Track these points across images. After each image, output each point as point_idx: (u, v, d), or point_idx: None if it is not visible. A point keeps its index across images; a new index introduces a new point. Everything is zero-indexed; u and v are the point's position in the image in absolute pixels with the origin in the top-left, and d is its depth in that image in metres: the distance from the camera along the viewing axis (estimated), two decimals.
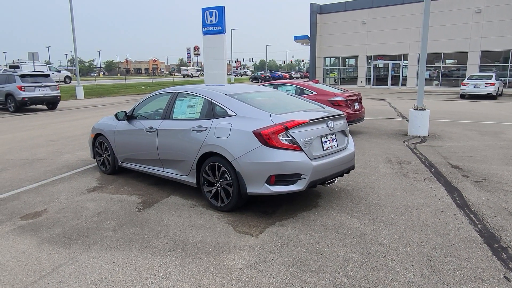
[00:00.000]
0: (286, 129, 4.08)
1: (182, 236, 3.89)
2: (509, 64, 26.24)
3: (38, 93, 16.89)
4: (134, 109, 5.88)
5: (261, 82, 56.13)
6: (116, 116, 5.85)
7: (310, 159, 4.15)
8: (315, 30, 34.45)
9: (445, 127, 10.83)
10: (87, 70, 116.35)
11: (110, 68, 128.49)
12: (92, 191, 5.51)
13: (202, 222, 4.25)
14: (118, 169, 6.24)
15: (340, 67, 35.43)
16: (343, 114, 4.83)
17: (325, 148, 4.41)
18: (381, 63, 32.44)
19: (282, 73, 63.87)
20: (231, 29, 60.91)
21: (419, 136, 9.46)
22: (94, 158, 6.69)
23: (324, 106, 5.21)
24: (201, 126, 4.65)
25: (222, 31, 50.18)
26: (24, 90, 16.39)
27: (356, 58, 33.55)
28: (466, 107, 16.99)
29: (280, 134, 4.07)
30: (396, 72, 31.64)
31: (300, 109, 4.81)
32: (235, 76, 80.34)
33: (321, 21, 34.45)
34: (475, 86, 21.39)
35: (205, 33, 50.89)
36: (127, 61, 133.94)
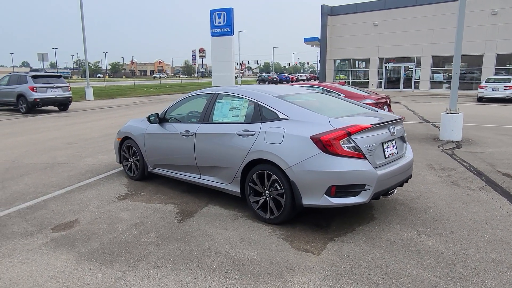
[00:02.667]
0: (349, 134, 3.69)
1: (235, 253, 3.50)
2: None
3: (50, 94, 16.60)
4: (166, 111, 5.51)
5: (268, 84, 55.83)
6: (149, 118, 5.47)
7: (374, 168, 3.75)
8: (326, 32, 34.05)
9: (476, 132, 10.38)
10: (93, 71, 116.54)
11: (116, 70, 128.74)
12: (123, 199, 5.13)
13: (252, 236, 3.86)
14: (147, 175, 5.86)
15: (351, 69, 34.99)
16: (402, 118, 4.43)
17: (386, 156, 4.01)
18: (393, 66, 31.97)
19: (289, 75, 63.56)
20: (239, 31, 60.63)
21: (452, 141, 9.03)
22: (120, 163, 6.32)
23: (375, 109, 4.81)
24: (248, 131, 4.26)
25: (231, 33, 49.82)
26: (36, 91, 16.11)
27: (367, 60, 33.10)
28: (488, 110, 16.50)
29: (342, 140, 3.67)
30: (409, 74, 31.16)
31: (354, 112, 4.42)
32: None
33: (331, 23, 34.06)
34: (493, 89, 20.89)
35: (213, 34, 50.49)
36: (132, 62, 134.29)
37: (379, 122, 3.98)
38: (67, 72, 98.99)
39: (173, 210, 4.68)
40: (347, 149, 3.67)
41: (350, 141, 3.69)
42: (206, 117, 4.86)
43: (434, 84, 30.56)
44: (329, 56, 34.69)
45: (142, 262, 3.35)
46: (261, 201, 4.20)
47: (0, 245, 3.72)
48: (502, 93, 20.71)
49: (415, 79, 30.73)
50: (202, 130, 4.78)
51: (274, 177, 3.99)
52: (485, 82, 21.83)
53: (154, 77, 66.64)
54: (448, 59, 29.83)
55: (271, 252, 3.51)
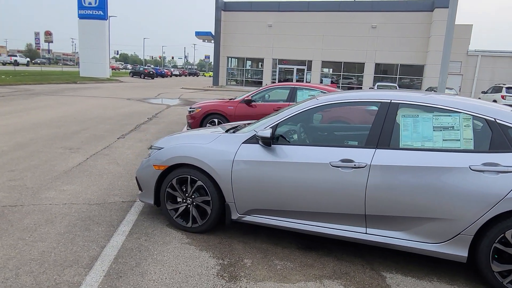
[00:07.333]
0: None
1: None
2: (397, 76, 29.70)
3: None
4: (277, 124, 3.48)
5: (143, 77, 51.04)
6: (264, 139, 3.31)
7: None
8: (220, 27, 32.71)
9: None
10: None
11: None
12: (235, 279, 2.96)
13: None
14: (228, 224, 3.68)
15: (245, 68, 34.58)
16: None
17: None
18: (286, 67, 32.86)
19: (165, 70, 60.17)
20: (109, 16, 53.87)
21: None
22: (155, 204, 3.88)
23: None
24: (498, 165, 2.77)
25: (104, 17, 43.67)
26: None
27: (261, 60, 33.19)
28: None
29: None
30: (301, 77, 32.52)
31: None
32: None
33: (226, 19, 32.90)
34: None
35: (81, 16, 43.43)
36: None
37: None
38: None
39: None
40: None
41: None
42: (383, 139, 3.12)
43: None
44: (223, 53, 33.49)
45: None
46: None
47: None
48: None
49: (306, 82, 32.22)
50: (384, 161, 3.03)
51: None
52: (377, 88, 24.17)
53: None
54: (336, 65, 32.22)
55: None
